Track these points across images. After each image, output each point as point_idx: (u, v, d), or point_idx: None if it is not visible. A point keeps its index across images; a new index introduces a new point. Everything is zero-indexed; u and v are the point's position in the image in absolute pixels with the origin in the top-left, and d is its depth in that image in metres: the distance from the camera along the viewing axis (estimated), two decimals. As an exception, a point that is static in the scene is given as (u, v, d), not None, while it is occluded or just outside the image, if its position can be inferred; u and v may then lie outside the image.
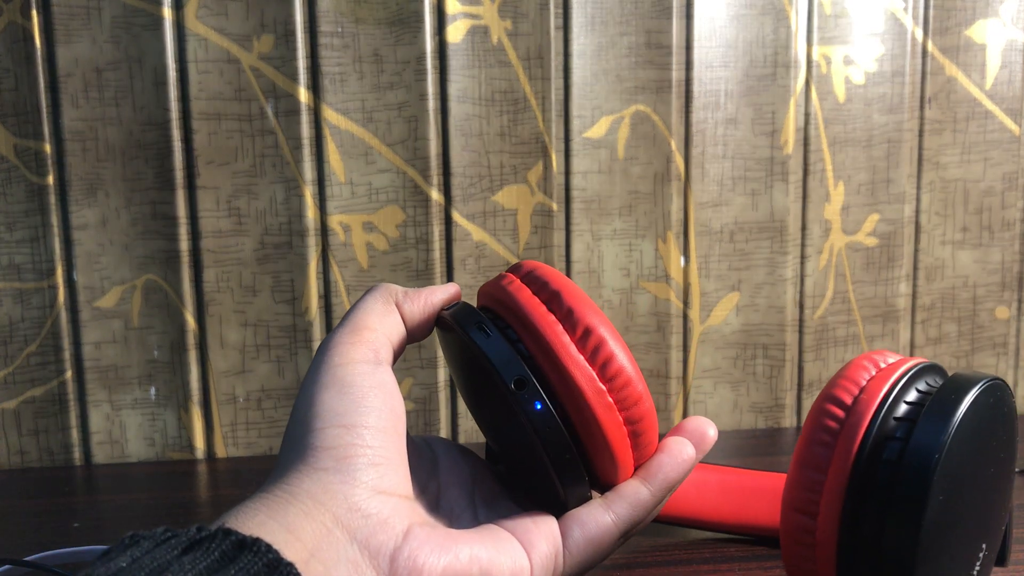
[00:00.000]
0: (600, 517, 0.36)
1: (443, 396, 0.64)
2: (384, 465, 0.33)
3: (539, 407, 0.35)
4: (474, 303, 0.40)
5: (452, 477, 0.39)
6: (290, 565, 0.28)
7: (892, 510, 0.32)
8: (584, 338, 0.35)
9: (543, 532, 0.36)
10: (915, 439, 0.32)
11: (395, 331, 0.38)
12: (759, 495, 0.48)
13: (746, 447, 0.63)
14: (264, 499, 0.32)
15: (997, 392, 0.34)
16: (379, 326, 0.37)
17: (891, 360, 0.36)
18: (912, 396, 0.34)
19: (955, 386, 0.33)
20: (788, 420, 0.68)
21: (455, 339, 0.37)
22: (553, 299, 0.36)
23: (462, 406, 0.65)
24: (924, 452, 0.32)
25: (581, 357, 0.35)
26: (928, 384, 0.35)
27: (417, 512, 0.34)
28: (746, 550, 0.48)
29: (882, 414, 0.33)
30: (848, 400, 0.34)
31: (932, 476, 0.31)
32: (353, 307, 0.38)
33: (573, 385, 0.35)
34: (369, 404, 0.34)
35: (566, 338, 0.35)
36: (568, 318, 0.35)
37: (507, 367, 0.35)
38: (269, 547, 0.28)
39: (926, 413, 0.33)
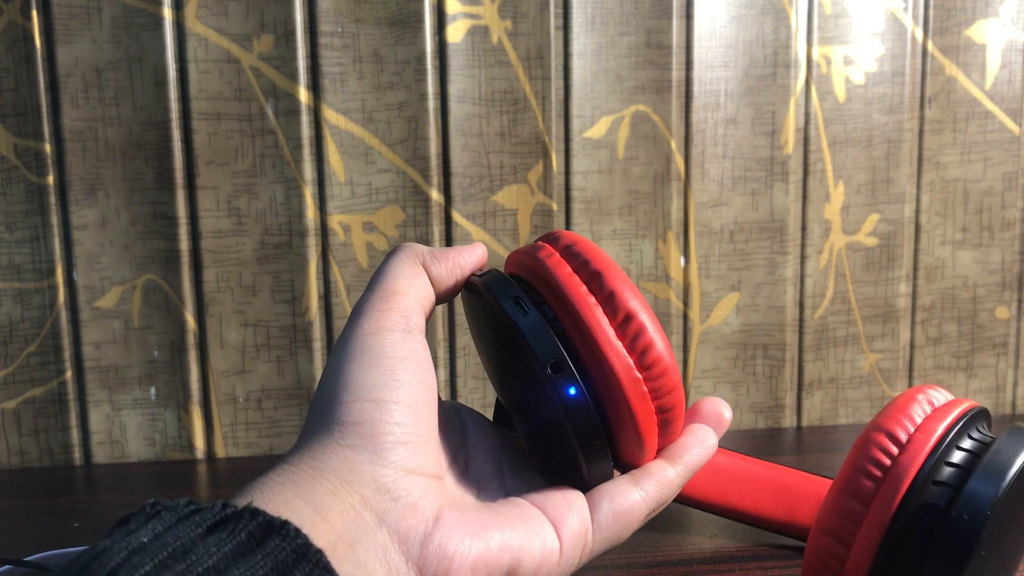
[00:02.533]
0: (629, 493, 0.36)
1: (443, 396, 0.64)
2: (413, 443, 0.32)
3: (574, 392, 0.34)
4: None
5: (480, 445, 0.38)
6: (319, 552, 0.27)
7: (934, 557, 0.32)
8: (624, 324, 0.34)
9: (574, 507, 0.35)
10: (968, 490, 0.32)
11: (425, 295, 0.36)
12: (766, 485, 0.48)
13: (746, 447, 0.63)
14: (290, 473, 0.31)
15: None
16: (409, 290, 0.36)
17: (942, 399, 0.36)
18: (966, 444, 0.34)
19: (1011, 441, 0.33)
20: (788, 420, 0.68)
21: (485, 307, 0.36)
22: (594, 279, 0.35)
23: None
24: (977, 504, 0.32)
25: (620, 344, 0.34)
26: (980, 431, 0.35)
27: (446, 492, 0.34)
28: (746, 550, 0.48)
29: (935, 458, 0.33)
30: (902, 437, 0.34)
31: (982, 529, 0.31)
32: (380, 270, 0.36)
33: (610, 373, 0.34)
34: (399, 377, 0.33)
35: (606, 323, 0.34)
36: (609, 301, 0.34)
37: (544, 348, 0.34)
38: (298, 531, 0.27)
39: (982, 466, 0.32)
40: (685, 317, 0.66)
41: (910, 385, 0.69)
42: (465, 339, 0.64)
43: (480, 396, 0.65)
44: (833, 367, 0.68)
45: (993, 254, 0.68)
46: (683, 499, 0.48)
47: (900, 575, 0.33)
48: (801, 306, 0.66)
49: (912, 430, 0.34)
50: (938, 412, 0.35)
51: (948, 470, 0.33)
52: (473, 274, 0.38)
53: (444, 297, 0.38)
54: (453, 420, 0.39)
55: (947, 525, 0.32)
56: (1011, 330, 0.69)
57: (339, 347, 0.34)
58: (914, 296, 0.68)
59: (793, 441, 0.65)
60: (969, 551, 0.31)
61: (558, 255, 0.36)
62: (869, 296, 0.67)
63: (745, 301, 0.66)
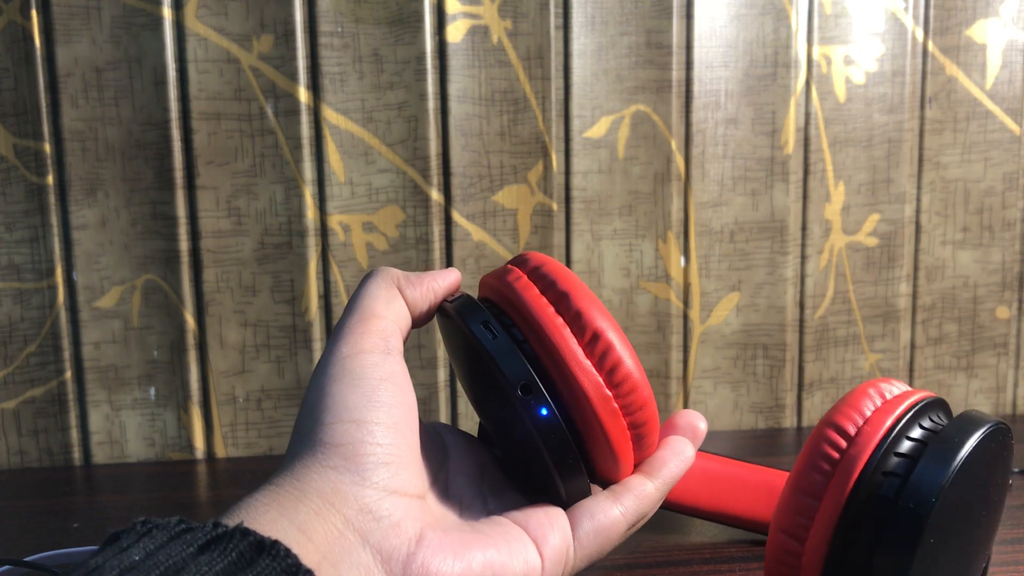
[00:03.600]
0: (609, 509, 0.36)
1: (443, 396, 0.64)
2: (395, 464, 0.33)
3: (545, 413, 0.34)
4: (474, 294, 0.40)
5: (461, 465, 0.39)
6: (309, 572, 0.27)
7: (883, 546, 0.32)
8: (592, 342, 0.35)
9: (555, 525, 0.35)
10: (914, 479, 0.32)
11: (402, 317, 0.37)
12: (757, 488, 0.48)
13: (746, 447, 0.63)
14: (275, 494, 0.31)
15: (999, 437, 0.34)
16: (387, 313, 0.36)
17: (896, 391, 0.36)
18: (916, 433, 0.34)
19: (959, 428, 0.33)
20: (788, 420, 0.67)
21: (457, 332, 0.37)
22: (561, 300, 0.35)
23: (462, 406, 0.65)
24: (921, 494, 0.32)
25: (588, 363, 0.34)
26: (932, 421, 0.35)
27: (429, 513, 0.34)
28: (746, 550, 0.48)
29: (883, 449, 0.33)
30: (851, 430, 0.34)
31: (927, 519, 0.31)
32: (357, 293, 0.37)
33: (579, 391, 0.34)
34: (379, 399, 0.33)
35: (574, 343, 0.35)
36: (576, 321, 0.35)
37: (513, 372, 0.34)
38: (288, 551, 0.27)
39: (927, 454, 0.33)
40: (685, 317, 0.66)
41: (910, 385, 0.69)
42: (465, 339, 0.64)
43: (480, 396, 0.65)
44: (833, 367, 0.68)
45: (993, 254, 0.68)
46: (677, 506, 0.48)
47: (853, 567, 0.33)
48: (801, 306, 0.66)
49: (861, 423, 0.34)
50: (888, 404, 0.35)
51: (896, 460, 0.33)
52: (446, 299, 0.38)
53: (419, 321, 0.38)
54: (434, 440, 0.39)
55: (895, 515, 0.32)
56: (1011, 330, 0.69)
57: (319, 369, 0.35)
58: (914, 296, 0.68)
59: (793, 441, 0.65)
60: (916, 540, 0.31)
61: (526, 278, 0.36)
62: (869, 296, 0.67)
63: (745, 301, 0.66)
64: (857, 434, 0.34)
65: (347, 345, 0.35)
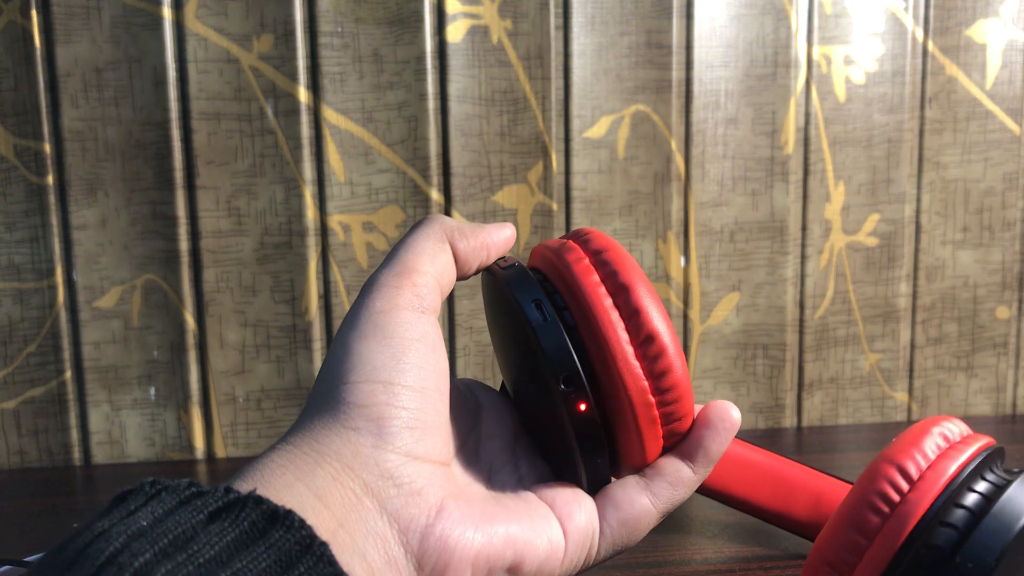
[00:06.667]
0: (637, 499, 0.35)
1: (443, 396, 0.64)
2: (420, 429, 0.31)
3: (583, 409, 0.33)
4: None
5: (494, 428, 0.37)
6: (324, 545, 0.26)
7: None
8: (645, 344, 0.33)
9: (582, 506, 0.34)
10: (976, 536, 0.31)
11: (446, 273, 0.35)
12: (765, 474, 0.47)
13: (746, 447, 0.63)
14: (291, 455, 0.30)
15: None
16: (429, 268, 0.34)
17: (958, 434, 0.35)
18: (980, 486, 0.33)
19: None
20: (788, 420, 0.67)
21: (505, 301, 0.35)
22: (620, 293, 0.34)
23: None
24: (982, 553, 0.31)
25: (638, 365, 0.33)
26: (994, 472, 0.34)
27: (452, 480, 0.33)
28: (746, 550, 0.48)
29: (945, 498, 0.32)
30: (914, 473, 0.33)
31: None
32: (402, 243, 0.35)
33: (623, 393, 0.33)
34: (409, 360, 0.32)
35: (626, 340, 0.33)
36: (633, 318, 0.33)
37: (559, 361, 0.33)
38: (302, 522, 0.26)
39: (994, 513, 0.32)
40: (685, 317, 0.66)
41: (910, 385, 0.69)
42: (465, 339, 0.64)
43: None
44: (833, 367, 0.68)
45: (993, 254, 0.68)
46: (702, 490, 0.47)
47: None
48: (801, 306, 0.66)
49: (924, 466, 0.33)
50: (952, 449, 0.34)
51: (958, 512, 0.32)
52: (497, 261, 0.36)
53: (465, 276, 0.36)
54: (467, 401, 0.38)
55: (950, 570, 0.31)
56: (1011, 330, 0.69)
57: (347, 323, 0.33)
58: (914, 296, 0.68)
59: (793, 441, 0.65)
60: None
61: (587, 261, 0.35)
62: (869, 296, 0.67)
63: (745, 301, 0.66)
64: (920, 478, 0.33)
65: (381, 299, 0.33)
